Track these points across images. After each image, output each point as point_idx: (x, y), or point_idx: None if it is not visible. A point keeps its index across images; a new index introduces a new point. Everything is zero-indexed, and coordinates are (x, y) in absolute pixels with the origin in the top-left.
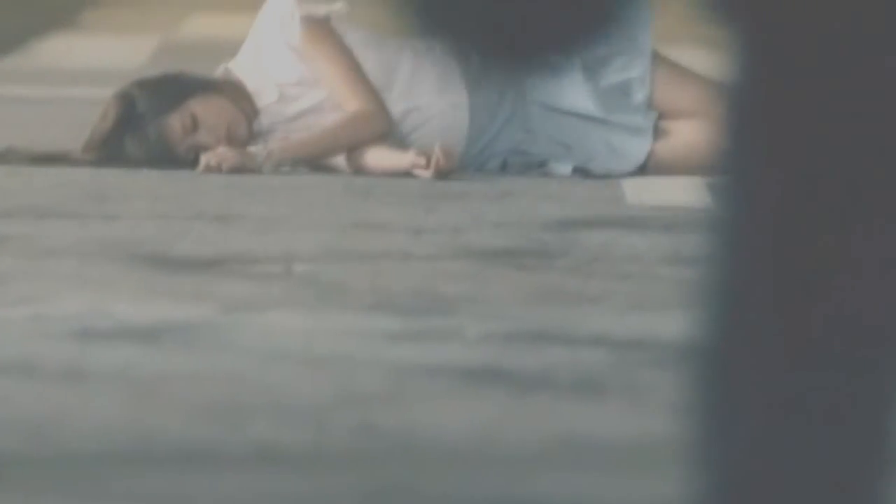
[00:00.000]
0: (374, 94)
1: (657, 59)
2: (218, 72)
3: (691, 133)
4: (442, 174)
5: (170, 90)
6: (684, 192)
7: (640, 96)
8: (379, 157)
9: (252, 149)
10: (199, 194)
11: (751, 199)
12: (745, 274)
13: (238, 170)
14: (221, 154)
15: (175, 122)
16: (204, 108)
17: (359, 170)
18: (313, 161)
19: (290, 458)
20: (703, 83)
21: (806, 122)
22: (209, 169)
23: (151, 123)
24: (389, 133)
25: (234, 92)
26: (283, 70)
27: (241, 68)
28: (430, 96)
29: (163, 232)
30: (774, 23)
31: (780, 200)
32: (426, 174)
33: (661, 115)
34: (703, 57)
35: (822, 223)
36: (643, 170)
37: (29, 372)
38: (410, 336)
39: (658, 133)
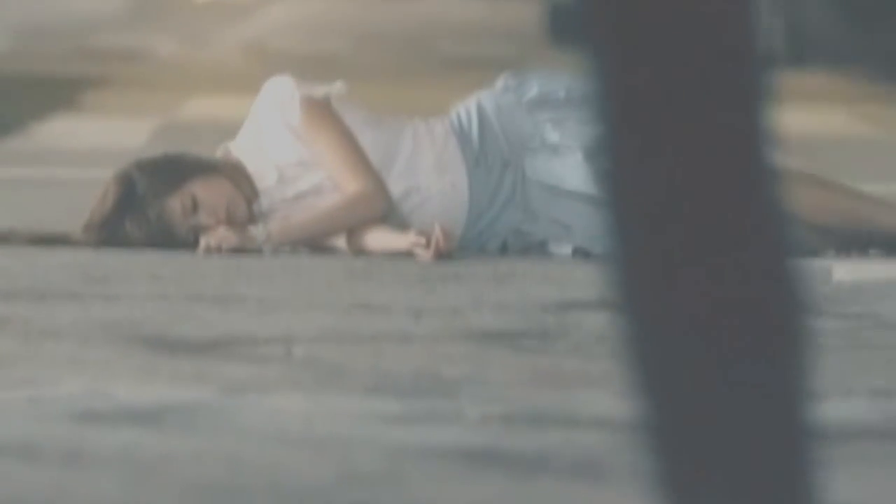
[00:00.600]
0: (373, 175)
1: None
2: (218, 153)
3: None
4: (442, 255)
5: (170, 171)
6: None
7: None
8: (379, 238)
9: (252, 230)
10: (199, 275)
11: (628, 191)
12: (633, 257)
13: (238, 251)
14: (221, 235)
15: (175, 204)
16: (204, 190)
17: (359, 250)
18: (313, 242)
19: None
20: None
21: (661, 121)
22: (209, 250)
23: (151, 205)
24: (389, 214)
25: (234, 173)
26: (283, 151)
27: (240, 149)
28: (430, 176)
29: (163, 313)
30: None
31: (653, 192)
32: (426, 255)
33: None
34: None
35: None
36: None
37: (29, 454)
38: (410, 418)
39: None
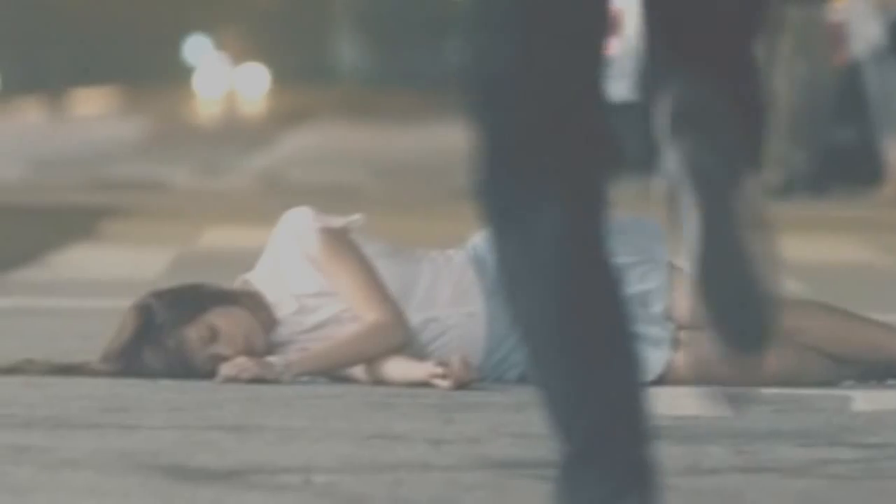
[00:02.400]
0: (392, 305)
1: (674, 269)
2: (236, 283)
3: (709, 343)
4: (461, 384)
5: (188, 301)
6: (702, 403)
7: (658, 307)
8: (398, 368)
9: (271, 359)
10: (217, 405)
11: None
12: None
13: (257, 380)
14: (240, 364)
15: (193, 333)
16: (222, 320)
17: (378, 380)
18: (332, 371)
19: None
20: None
21: None
22: (228, 379)
23: (170, 334)
24: (408, 343)
25: (253, 303)
26: (302, 281)
27: (259, 279)
28: (448, 307)
29: (181, 443)
30: None
31: None
32: (445, 385)
33: (680, 326)
34: None
35: None
36: (661, 380)
37: None
38: None
39: (677, 343)
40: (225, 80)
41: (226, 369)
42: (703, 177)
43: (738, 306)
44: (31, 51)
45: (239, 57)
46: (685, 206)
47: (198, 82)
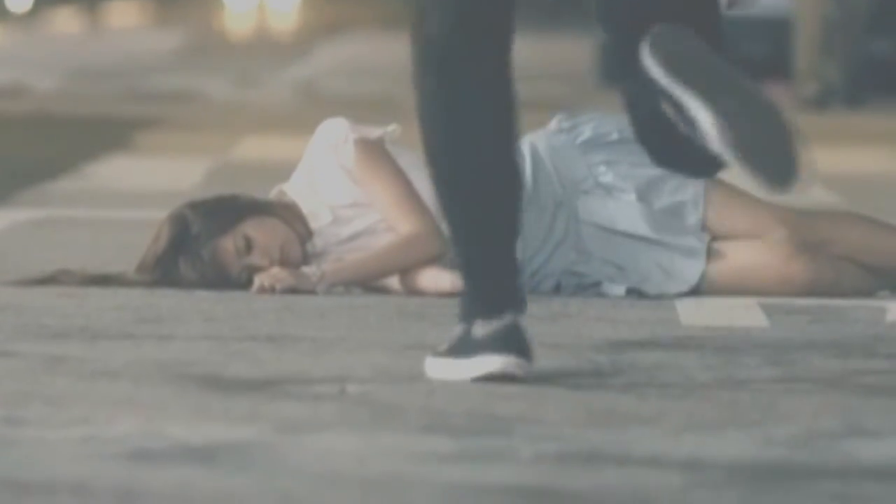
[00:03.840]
0: (427, 216)
1: (710, 180)
2: (271, 194)
3: (745, 254)
4: None
5: (224, 212)
6: (738, 313)
7: (693, 218)
8: (432, 279)
9: (306, 270)
10: (252, 315)
11: None
12: None
13: (292, 291)
14: (275, 275)
15: (229, 244)
16: (258, 230)
17: (412, 290)
18: (367, 282)
19: None
20: (756, 203)
21: None
22: (263, 290)
23: (205, 245)
24: (443, 254)
25: (288, 214)
26: (337, 192)
27: (294, 190)
28: None
29: (217, 353)
30: None
31: None
32: None
33: (715, 237)
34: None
35: None
36: (697, 291)
37: (82, 493)
38: (464, 457)
39: (712, 254)
40: None
41: (261, 280)
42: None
43: (768, 142)
44: None
45: None
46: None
47: None
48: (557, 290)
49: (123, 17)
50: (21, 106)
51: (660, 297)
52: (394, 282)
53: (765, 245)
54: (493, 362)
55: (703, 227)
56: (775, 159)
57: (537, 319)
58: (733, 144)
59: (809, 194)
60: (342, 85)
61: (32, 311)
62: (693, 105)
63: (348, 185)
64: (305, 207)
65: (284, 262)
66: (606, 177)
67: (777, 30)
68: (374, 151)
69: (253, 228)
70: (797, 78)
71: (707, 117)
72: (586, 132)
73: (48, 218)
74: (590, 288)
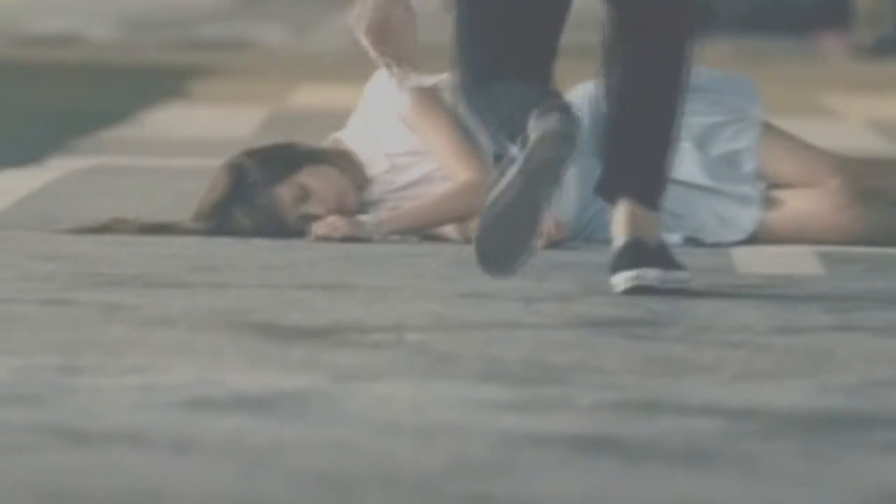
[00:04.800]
0: (483, 164)
1: (767, 129)
2: (328, 142)
3: (801, 202)
4: (552, 243)
5: (280, 160)
6: (794, 262)
7: (749, 166)
8: None
9: (362, 218)
10: (309, 264)
11: None
12: None
13: (348, 239)
14: (331, 223)
15: (285, 193)
16: (314, 179)
17: (468, 239)
18: (423, 230)
19: None
20: (811, 153)
21: None
22: (319, 238)
23: (261, 193)
24: None
25: (344, 162)
26: (394, 140)
27: (350, 138)
28: None
29: (273, 301)
30: None
31: None
32: (536, 243)
33: (771, 185)
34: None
35: None
36: (753, 239)
37: (139, 442)
38: (521, 405)
39: (768, 203)
40: None
41: (317, 228)
42: None
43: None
44: None
45: None
46: None
47: None
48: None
49: None
50: (76, 55)
51: (716, 245)
52: (450, 230)
53: (821, 193)
54: None
55: (759, 175)
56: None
57: (593, 268)
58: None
59: (865, 142)
60: None
61: (88, 260)
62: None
63: (404, 133)
64: (361, 155)
65: (340, 210)
66: None
67: None
68: (429, 99)
69: (309, 177)
70: (855, 26)
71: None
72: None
73: (104, 166)
74: None
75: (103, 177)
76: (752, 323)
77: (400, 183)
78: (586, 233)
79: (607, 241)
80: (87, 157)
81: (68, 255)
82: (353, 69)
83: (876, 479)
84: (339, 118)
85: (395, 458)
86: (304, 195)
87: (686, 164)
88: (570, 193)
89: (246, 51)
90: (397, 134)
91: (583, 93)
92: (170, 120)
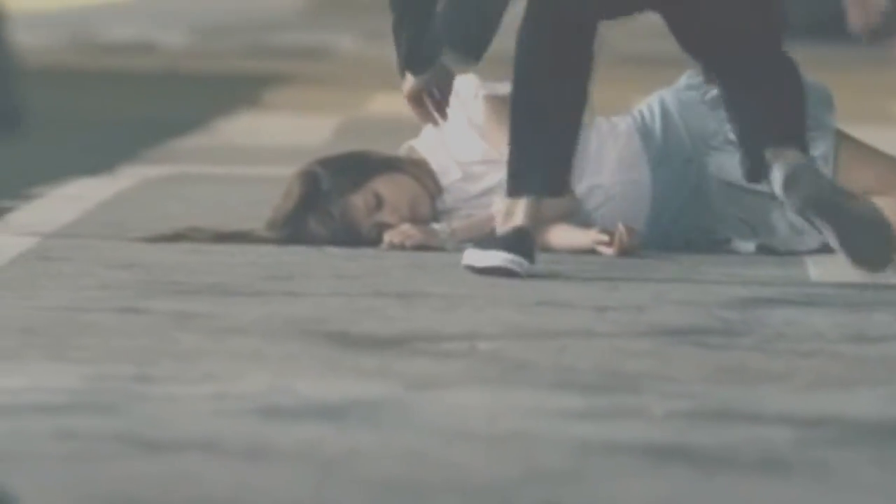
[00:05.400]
0: None
1: (840, 137)
2: (401, 150)
3: None
4: (625, 252)
5: (354, 169)
6: None
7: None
8: (562, 235)
9: (436, 226)
10: (382, 272)
11: None
12: None
13: (421, 248)
14: (405, 232)
15: (359, 201)
16: (387, 187)
17: (542, 247)
18: None
19: None
20: (886, 161)
21: None
22: (393, 247)
23: (335, 202)
24: (574, 212)
25: (418, 170)
26: (467, 149)
27: (424, 146)
28: (613, 174)
29: (346, 310)
30: None
31: None
32: (609, 252)
33: None
34: (885, 134)
35: None
36: (827, 247)
37: (213, 449)
38: (594, 414)
39: None
40: None
41: (391, 236)
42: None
43: (864, 232)
44: None
45: None
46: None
47: None
48: (687, 247)
49: None
50: (149, 62)
51: (790, 253)
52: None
53: (893, 201)
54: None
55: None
56: (876, 256)
57: (666, 277)
58: (850, 256)
59: None
60: None
61: (162, 268)
62: (826, 232)
63: (478, 142)
64: (435, 164)
65: (414, 219)
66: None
67: None
68: (504, 107)
69: (383, 185)
70: None
71: (835, 241)
72: (715, 88)
73: (177, 174)
74: (720, 245)
75: (176, 185)
76: (825, 331)
77: (473, 191)
78: (660, 241)
79: (680, 250)
80: (160, 165)
81: (142, 264)
82: None
83: None
84: (412, 127)
85: (468, 466)
86: (378, 203)
87: None
88: (643, 202)
89: (319, 59)
90: (471, 142)
91: (656, 101)
92: (242, 128)
